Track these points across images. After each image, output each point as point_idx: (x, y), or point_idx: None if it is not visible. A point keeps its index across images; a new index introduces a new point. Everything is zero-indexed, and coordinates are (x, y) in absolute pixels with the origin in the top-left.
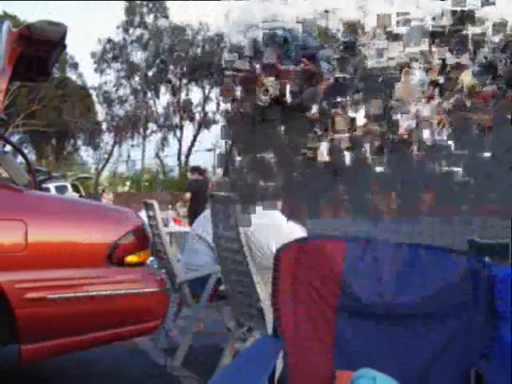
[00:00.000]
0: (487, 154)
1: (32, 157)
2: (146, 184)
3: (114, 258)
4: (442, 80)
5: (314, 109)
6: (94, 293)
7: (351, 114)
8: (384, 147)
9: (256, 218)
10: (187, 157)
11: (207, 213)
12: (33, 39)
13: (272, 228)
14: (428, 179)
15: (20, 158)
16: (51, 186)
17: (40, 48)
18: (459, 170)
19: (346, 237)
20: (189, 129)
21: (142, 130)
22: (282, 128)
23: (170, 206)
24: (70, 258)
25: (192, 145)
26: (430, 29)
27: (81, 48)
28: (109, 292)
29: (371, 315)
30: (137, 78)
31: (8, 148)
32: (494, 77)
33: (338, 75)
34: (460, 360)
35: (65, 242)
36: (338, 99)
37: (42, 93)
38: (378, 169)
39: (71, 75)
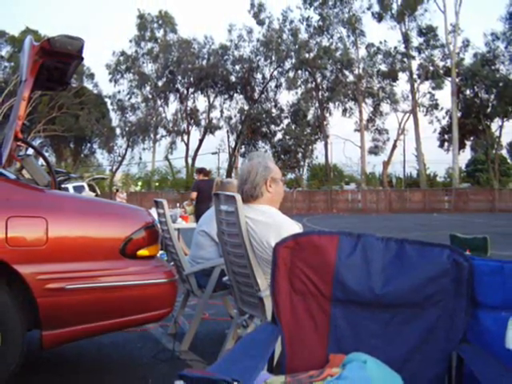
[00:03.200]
0: None
1: (52, 159)
2: (156, 184)
3: (128, 252)
4: None
5: None
6: (109, 283)
7: None
8: None
9: (256, 215)
10: (193, 159)
11: (212, 211)
12: (53, 52)
13: (271, 224)
14: None
15: (41, 161)
16: (70, 186)
17: (60, 60)
18: None
19: (339, 232)
20: (195, 134)
21: (152, 135)
22: None
23: (177, 204)
24: (87, 251)
25: (198, 148)
26: None
27: (97, 60)
28: (122, 283)
29: (362, 304)
30: (148, 88)
31: (30, 151)
32: None
33: None
34: (443, 344)
35: (82, 237)
36: None
37: (62, 101)
38: None
39: (88, 85)
